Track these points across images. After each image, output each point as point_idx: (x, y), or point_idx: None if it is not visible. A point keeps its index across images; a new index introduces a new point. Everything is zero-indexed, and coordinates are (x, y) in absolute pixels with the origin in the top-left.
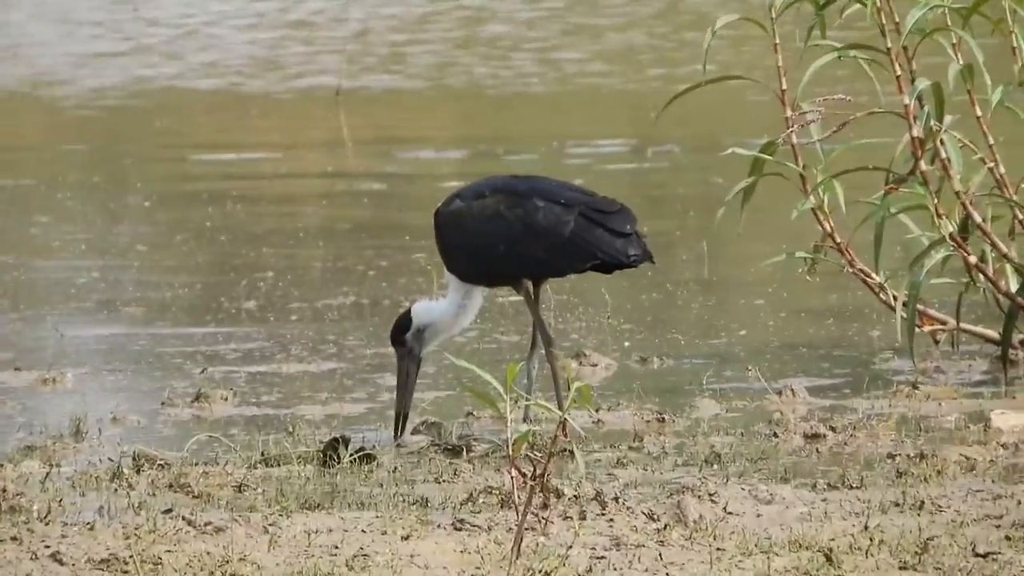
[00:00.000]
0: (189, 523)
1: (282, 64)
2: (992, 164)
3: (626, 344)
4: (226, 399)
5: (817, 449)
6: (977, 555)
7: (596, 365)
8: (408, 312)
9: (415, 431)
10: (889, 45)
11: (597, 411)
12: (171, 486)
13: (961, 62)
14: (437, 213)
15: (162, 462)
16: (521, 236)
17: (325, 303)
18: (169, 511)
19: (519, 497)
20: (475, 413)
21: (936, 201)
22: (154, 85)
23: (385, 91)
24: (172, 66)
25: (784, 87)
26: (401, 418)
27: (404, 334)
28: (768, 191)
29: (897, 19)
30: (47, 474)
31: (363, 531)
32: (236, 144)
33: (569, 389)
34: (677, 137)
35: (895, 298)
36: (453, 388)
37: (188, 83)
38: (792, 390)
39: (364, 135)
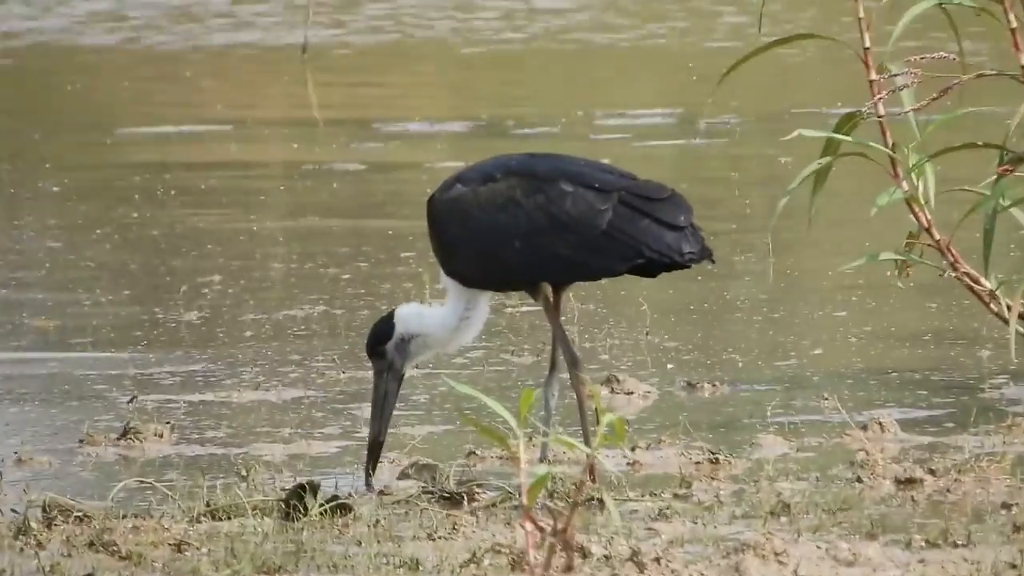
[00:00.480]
0: None
1: (197, 16)
2: None
3: (669, 366)
4: (161, 436)
5: (912, 497)
6: None
7: (632, 393)
8: (390, 316)
9: (403, 475)
10: None
11: (633, 450)
12: (92, 544)
13: None
14: (432, 201)
15: (80, 514)
16: (544, 230)
17: (287, 315)
18: None
19: (535, 558)
20: (479, 452)
21: None
22: (35, 40)
23: (359, 50)
24: (54, 17)
25: (867, 44)
26: (374, 449)
27: (384, 344)
28: (847, 175)
29: None
30: None
31: None
32: (173, 116)
33: (598, 422)
34: (734, 107)
35: (1009, 308)
36: (451, 421)
37: (79, 38)
38: (880, 424)
39: (336, 105)
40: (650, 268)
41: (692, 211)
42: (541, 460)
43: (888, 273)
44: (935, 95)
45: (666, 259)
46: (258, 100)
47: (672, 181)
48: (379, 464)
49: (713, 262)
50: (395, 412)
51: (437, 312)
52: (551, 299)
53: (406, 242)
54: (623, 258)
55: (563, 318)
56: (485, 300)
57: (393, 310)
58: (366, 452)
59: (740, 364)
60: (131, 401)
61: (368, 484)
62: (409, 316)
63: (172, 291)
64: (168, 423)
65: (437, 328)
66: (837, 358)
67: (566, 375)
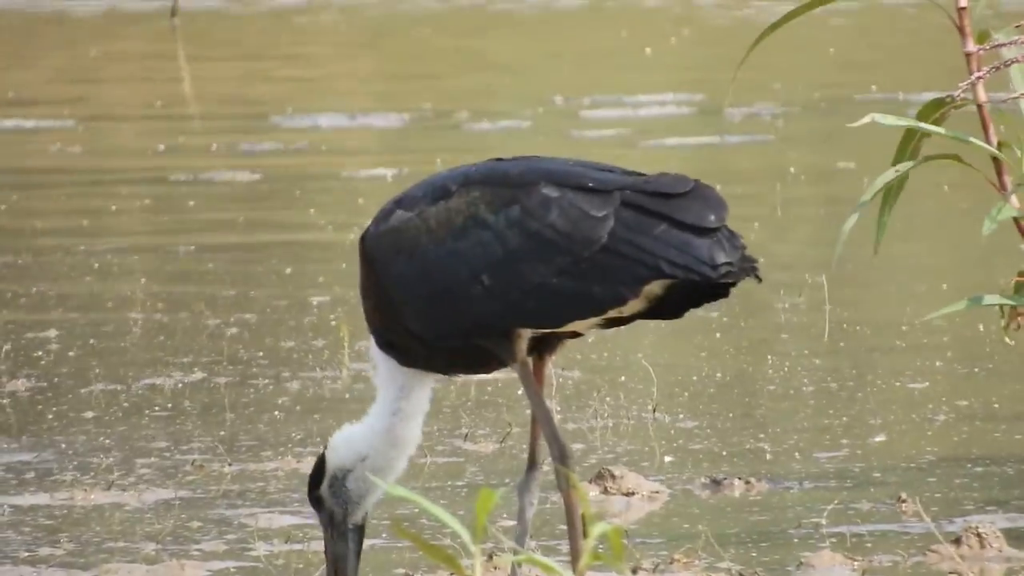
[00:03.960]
0: None
1: None
2: None
3: (685, 455)
4: None
5: None
6: None
7: (633, 493)
8: (323, 449)
9: None
10: None
11: (635, 572)
12: None
13: None
14: (365, 240)
15: None
16: (522, 253)
17: (149, 385)
18: None
19: None
20: None
21: None
22: None
23: (249, 12)
24: None
25: (963, 3)
26: None
27: (317, 488)
28: (933, 187)
29: None
30: None
31: None
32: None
33: (586, 534)
34: (775, 92)
35: None
36: (380, 534)
37: None
38: (979, 535)
39: (219, 89)
40: (671, 300)
41: (726, 208)
42: None
43: (982, 327)
44: None
45: (695, 275)
46: (109, 82)
47: None
48: None
49: (759, 278)
50: (298, 520)
51: (364, 422)
52: (527, 360)
53: (314, 284)
54: (633, 280)
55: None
56: (425, 386)
57: (326, 446)
58: None
59: (783, 453)
60: None
61: None
62: (338, 443)
63: None
64: None
65: (367, 442)
66: (917, 444)
67: (547, 470)
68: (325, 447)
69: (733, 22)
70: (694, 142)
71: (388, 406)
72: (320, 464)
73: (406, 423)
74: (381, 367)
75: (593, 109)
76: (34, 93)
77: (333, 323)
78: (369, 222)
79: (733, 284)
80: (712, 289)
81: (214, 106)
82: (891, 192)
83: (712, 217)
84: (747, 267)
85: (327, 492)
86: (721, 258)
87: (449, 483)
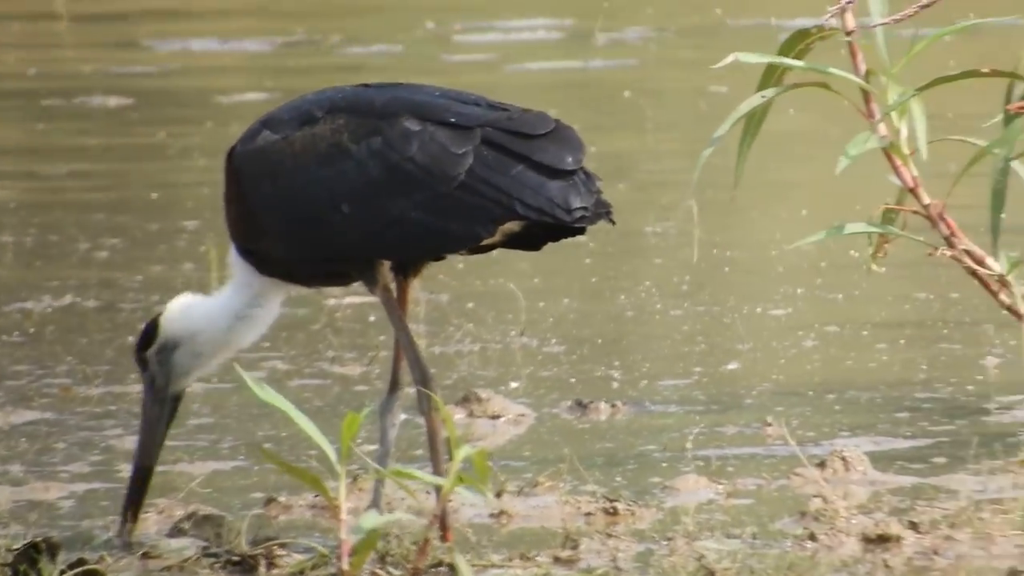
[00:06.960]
0: None
1: None
2: None
3: (550, 379)
4: None
5: (885, 562)
6: None
7: (499, 416)
8: (159, 314)
9: (176, 530)
10: None
11: (499, 495)
12: None
13: None
14: (231, 156)
15: None
16: (381, 185)
17: (18, 308)
18: None
19: None
20: (282, 499)
21: None
22: None
23: None
24: None
25: None
26: (138, 479)
27: (144, 349)
28: (803, 116)
29: None
30: None
31: None
32: None
33: (452, 457)
34: (645, 18)
35: None
36: (243, 455)
37: None
38: (843, 459)
39: (89, 6)
40: (529, 235)
41: (584, 150)
42: (371, 509)
43: (855, 253)
44: (923, 2)
45: (547, 218)
46: None
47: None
48: (143, 512)
49: (612, 221)
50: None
51: (208, 303)
52: (391, 287)
53: (182, 208)
54: (488, 219)
55: (410, 313)
56: (280, 295)
57: (164, 307)
58: (126, 489)
59: (649, 376)
60: None
61: (123, 535)
62: (175, 313)
63: None
64: None
65: (205, 324)
66: (783, 368)
67: (411, 393)
68: (160, 312)
69: None
70: (558, 66)
71: (237, 308)
72: (153, 327)
73: (249, 328)
74: (239, 273)
75: (465, 34)
76: None
77: (202, 249)
78: (238, 140)
79: (585, 228)
80: (567, 231)
81: (84, 26)
82: (752, 123)
83: (570, 159)
84: (601, 212)
85: (154, 357)
86: (576, 202)
87: (315, 405)
